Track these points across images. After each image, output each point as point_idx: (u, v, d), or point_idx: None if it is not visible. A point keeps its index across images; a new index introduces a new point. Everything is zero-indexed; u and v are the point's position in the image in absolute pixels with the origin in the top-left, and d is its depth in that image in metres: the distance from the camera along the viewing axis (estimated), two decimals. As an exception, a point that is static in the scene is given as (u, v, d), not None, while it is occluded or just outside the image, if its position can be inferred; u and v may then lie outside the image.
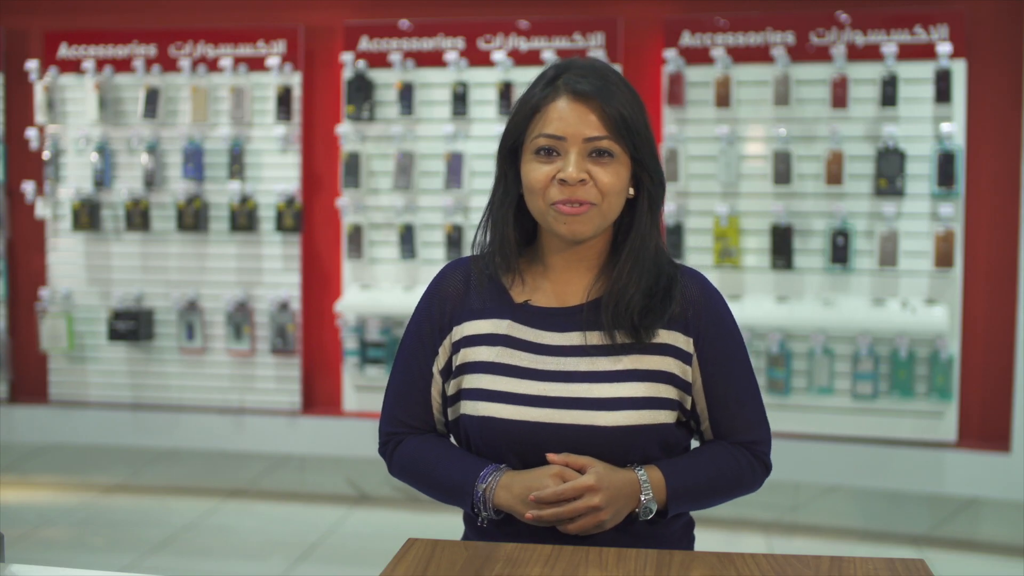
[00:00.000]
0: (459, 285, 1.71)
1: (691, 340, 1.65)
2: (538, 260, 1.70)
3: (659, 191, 1.66)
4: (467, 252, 4.60)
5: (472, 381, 1.65)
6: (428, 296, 1.73)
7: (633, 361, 1.62)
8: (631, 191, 1.65)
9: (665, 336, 1.64)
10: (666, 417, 1.62)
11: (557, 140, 1.59)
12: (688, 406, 1.67)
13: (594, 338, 1.63)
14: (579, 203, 1.59)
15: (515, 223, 1.68)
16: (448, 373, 1.69)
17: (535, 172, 1.61)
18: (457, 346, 1.67)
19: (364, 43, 4.79)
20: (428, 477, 1.70)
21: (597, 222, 1.61)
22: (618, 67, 4.53)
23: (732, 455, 1.68)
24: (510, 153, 1.66)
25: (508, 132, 1.66)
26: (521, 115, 1.64)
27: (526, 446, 1.60)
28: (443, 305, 1.70)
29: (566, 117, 1.59)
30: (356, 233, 4.77)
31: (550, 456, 1.58)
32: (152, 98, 4.90)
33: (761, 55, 4.45)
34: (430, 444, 1.71)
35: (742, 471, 1.68)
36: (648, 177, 1.64)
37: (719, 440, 1.70)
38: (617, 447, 1.60)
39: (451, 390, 1.68)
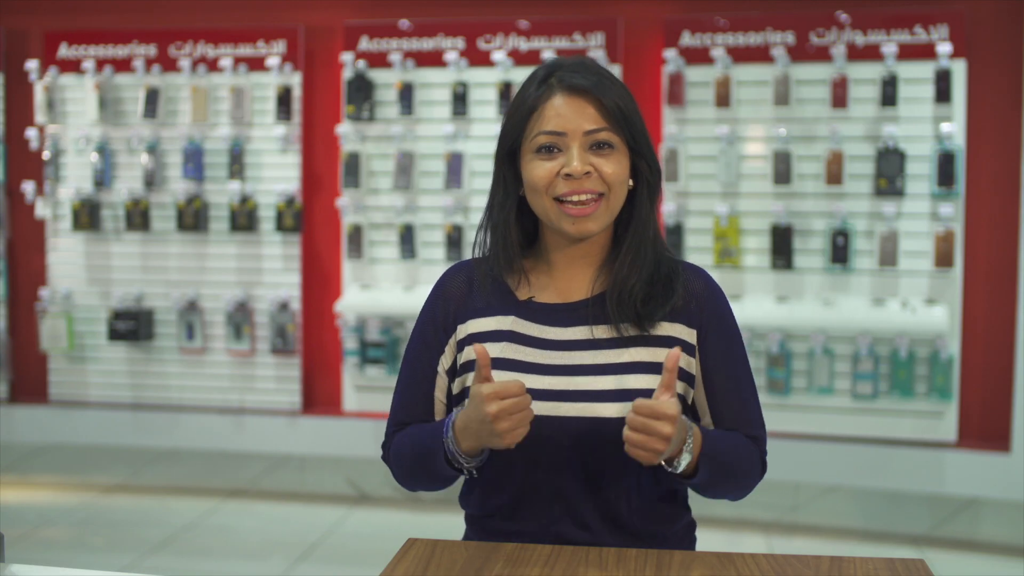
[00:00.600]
0: (462, 286, 1.71)
1: (695, 332, 1.66)
2: (540, 259, 1.71)
3: (657, 180, 1.68)
4: (467, 252, 4.61)
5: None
6: (431, 299, 1.73)
7: (639, 353, 1.62)
8: (630, 182, 1.66)
9: (669, 328, 1.64)
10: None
11: (557, 136, 1.60)
12: (690, 401, 1.67)
13: (599, 332, 1.64)
14: (587, 197, 1.60)
15: (516, 224, 1.69)
16: (454, 372, 1.69)
17: (538, 170, 1.61)
18: (462, 344, 1.68)
19: (364, 43, 4.79)
20: (413, 462, 1.67)
21: (605, 217, 1.63)
22: (617, 67, 4.54)
23: (747, 445, 1.67)
24: (508, 156, 1.67)
25: (505, 135, 1.66)
26: (517, 117, 1.64)
27: (532, 440, 1.59)
28: (447, 306, 1.70)
29: (564, 113, 1.60)
30: (356, 233, 4.77)
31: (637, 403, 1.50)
32: (152, 98, 4.90)
33: (761, 55, 4.45)
34: (408, 431, 1.70)
35: (754, 463, 1.68)
36: (646, 166, 1.66)
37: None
38: (620, 439, 1.59)
39: (456, 388, 1.68)
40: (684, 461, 1.56)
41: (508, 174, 1.67)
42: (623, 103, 1.62)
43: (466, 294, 1.70)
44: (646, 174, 1.66)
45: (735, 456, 1.64)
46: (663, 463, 1.56)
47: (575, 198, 1.60)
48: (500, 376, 1.61)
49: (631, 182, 1.66)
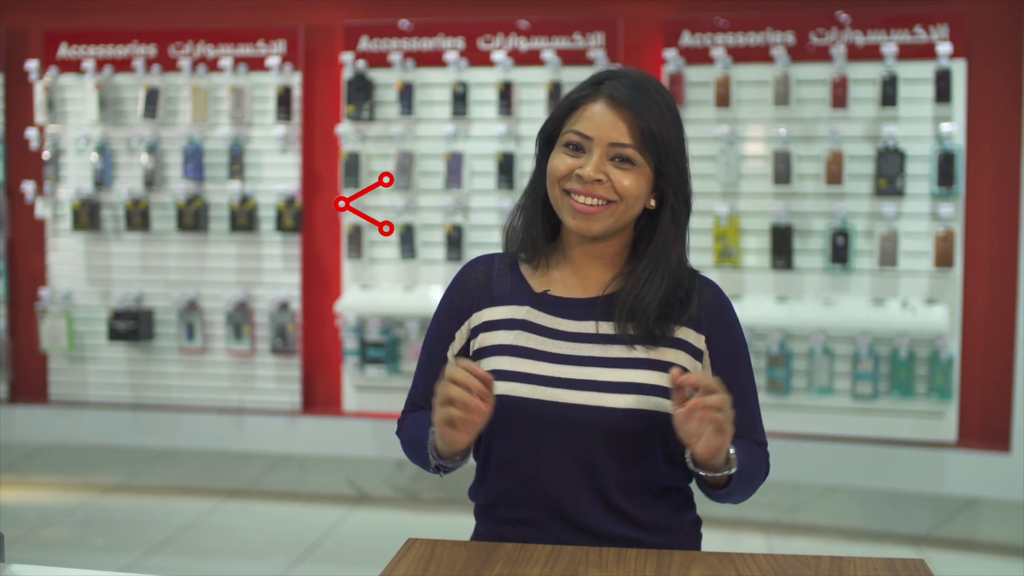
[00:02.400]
0: (481, 276, 1.77)
1: (703, 337, 1.69)
2: (560, 253, 1.75)
3: (682, 207, 1.72)
4: (467, 252, 4.62)
5: (490, 363, 1.68)
6: (450, 287, 1.79)
7: (646, 351, 1.66)
8: (652, 203, 1.71)
9: (678, 332, 1.68)
10: (672, 409, 1.64)
11: (585, 139, 1.66)
12: None
13: (606, 328, 1.68)
14: (594, 201, 1.64)
15: (543, 215, 1.74)
16: (465, 357, 1.71)
17: (558, 160, 1.67)
18: (476, 331, 1.72)
19: (364, 43, 4.79)
20: (411, 448, 1.73)
21: (609, 221, 1.66)
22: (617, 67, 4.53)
23: (759, 453, 1.70)
24: (545, 144, 1.73)
25: (547, 123, 1.73)
26: (561, 109, 1.71)
27: (534, 423, 1.63)
28: (464, 295, 1.76)
29: (598, 120, 1.65)
30: (356, 233, 4.77)
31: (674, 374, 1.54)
32: (152, 98, 4.90)
33: (761, 55, 4.45)
34: (413, 416, 1.76)
35: (764, 471, 1.71)
36: (672, 192, 1.67)
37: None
38: (622, 428, 1.62)
39: None
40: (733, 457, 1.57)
41: (543, 162, 1.73)
42: (659, 128, 1.66)
43: (484, 283, 1.76)
44: (671, 200, 1.70)
45: (755, 464, 1.68)
46: (693, 465, 1.59)
47: (581, 199, 1.64)
48: (513, 362, 1.65)
49: (653, 203, 1.71)
